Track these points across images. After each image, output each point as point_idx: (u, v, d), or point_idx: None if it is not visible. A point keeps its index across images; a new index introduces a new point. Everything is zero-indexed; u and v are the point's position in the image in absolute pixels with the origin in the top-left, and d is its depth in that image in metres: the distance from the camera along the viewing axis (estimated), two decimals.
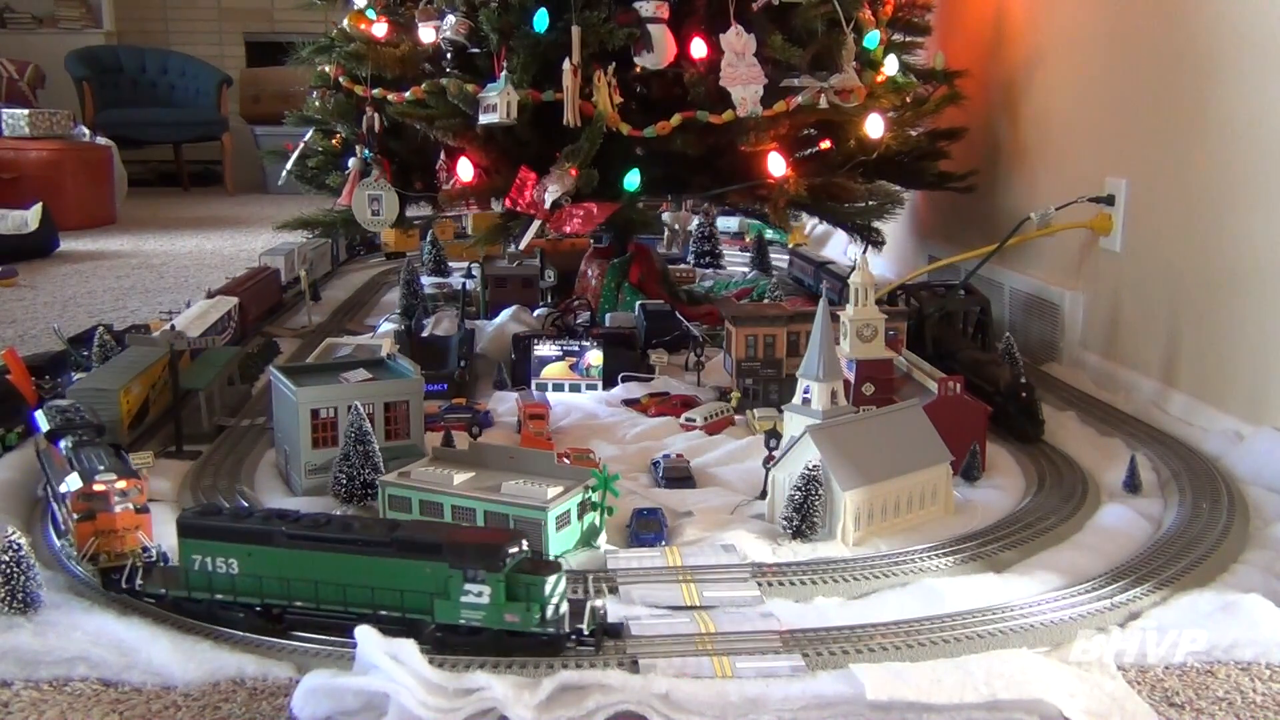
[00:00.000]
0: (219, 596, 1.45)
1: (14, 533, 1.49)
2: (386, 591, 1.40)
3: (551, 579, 1.36)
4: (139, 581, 1.49)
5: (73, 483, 1.58)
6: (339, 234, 4.11)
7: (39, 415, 1.92)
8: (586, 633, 1.38)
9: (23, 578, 1.46)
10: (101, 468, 1.61)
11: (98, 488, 1.55)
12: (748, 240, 4.60)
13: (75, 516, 1.55)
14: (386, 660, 1.24)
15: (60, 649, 1.39)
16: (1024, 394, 2.26)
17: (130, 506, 1.55)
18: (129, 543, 1.54)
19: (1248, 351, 2.23)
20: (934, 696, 1.27)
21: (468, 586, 1.36)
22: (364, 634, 1.29)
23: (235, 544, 1.45)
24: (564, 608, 1.37)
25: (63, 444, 1.78)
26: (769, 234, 4.39)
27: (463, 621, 1.37)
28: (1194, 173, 2.41)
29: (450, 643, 1.37)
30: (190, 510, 1.54)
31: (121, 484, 1.56)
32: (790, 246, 4.35)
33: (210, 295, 3.08)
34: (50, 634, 1.41)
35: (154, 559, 1.54)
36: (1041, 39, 3.15)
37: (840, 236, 4.43)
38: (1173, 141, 2.50)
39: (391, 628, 1.35)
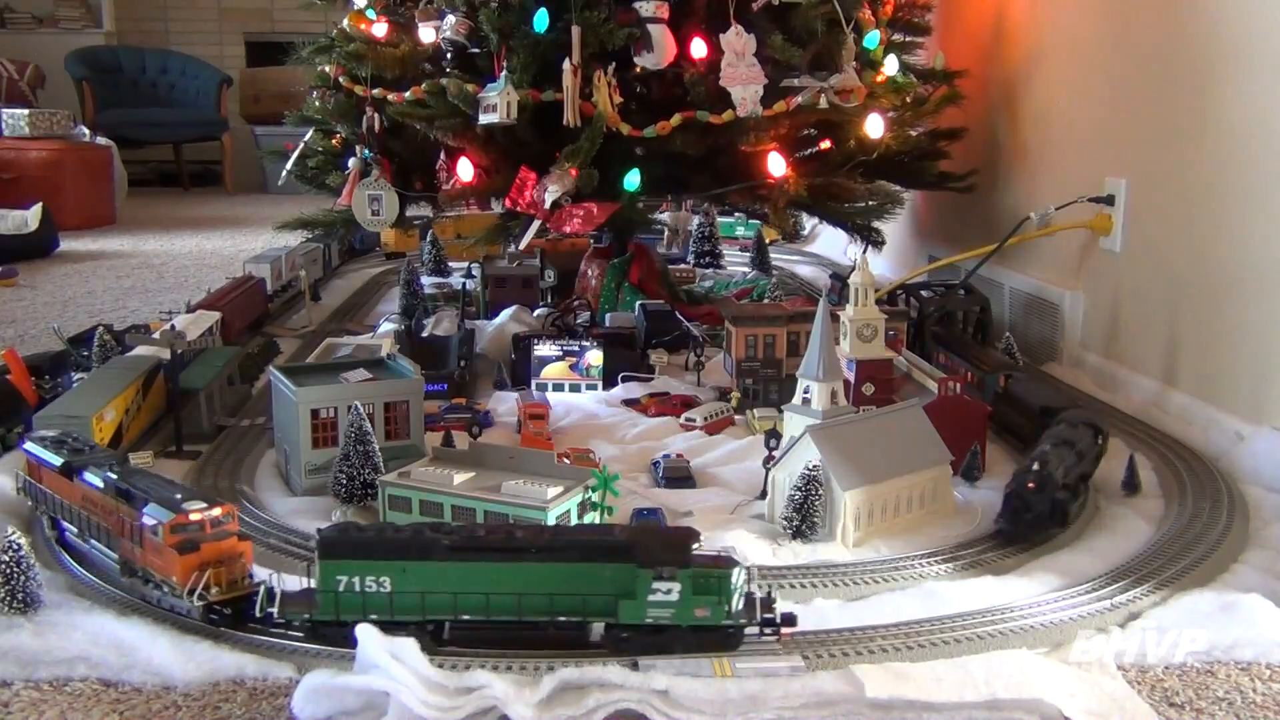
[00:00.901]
0: (374, 617, 1.34)
1: (14, 533, 1.49)
2: (566, 597, 1.36)
3: (736, 571, 1.37)
4: (274, 609, 1.38)
5: (158, 514, 1.45)
6: (333, 237, 4.06)
7: (35, 450, 1.74)
8: (766, 623, 1.39)
9: (23, 578, 1.46)
10: (178, 495, 1.49)
11: (194, 516, 1.43)
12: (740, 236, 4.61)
13: (174, 549, 1.42)
14: (387, 659, 1.24)
15: (60, 649, 1.39)
16: (1033, 485, 1.74)
17: (230, 534, 1.46)
18: (237, 571, 1.44)
19: (1248, 351, 2.23)
20: (934, 695, 1.27)
21: (656, 585, 1.34)
22: (365, 633, 1.28)
23: (387, 561, 1.36)
24: (742, 600, 1.38)
25: (94, 477, 1.61)
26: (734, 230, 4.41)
27: (649, 620, 1.35)
28: (1194, 173, 2.41)
29: (634, 643, 1.35)
30: (329, 529, 1.43)
31: (216, 511, 1.45)
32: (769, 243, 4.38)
33: (190, 309, 2.88)
34: (50, 634, 1.41)
35: (261, 585, 1.43)
36: (1041, 39, 3.15)
37: (831, 234, 4.43)
38: (1173, 141, 2.49)
39: (557, 634, 1.36)
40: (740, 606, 1.37)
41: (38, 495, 1.76)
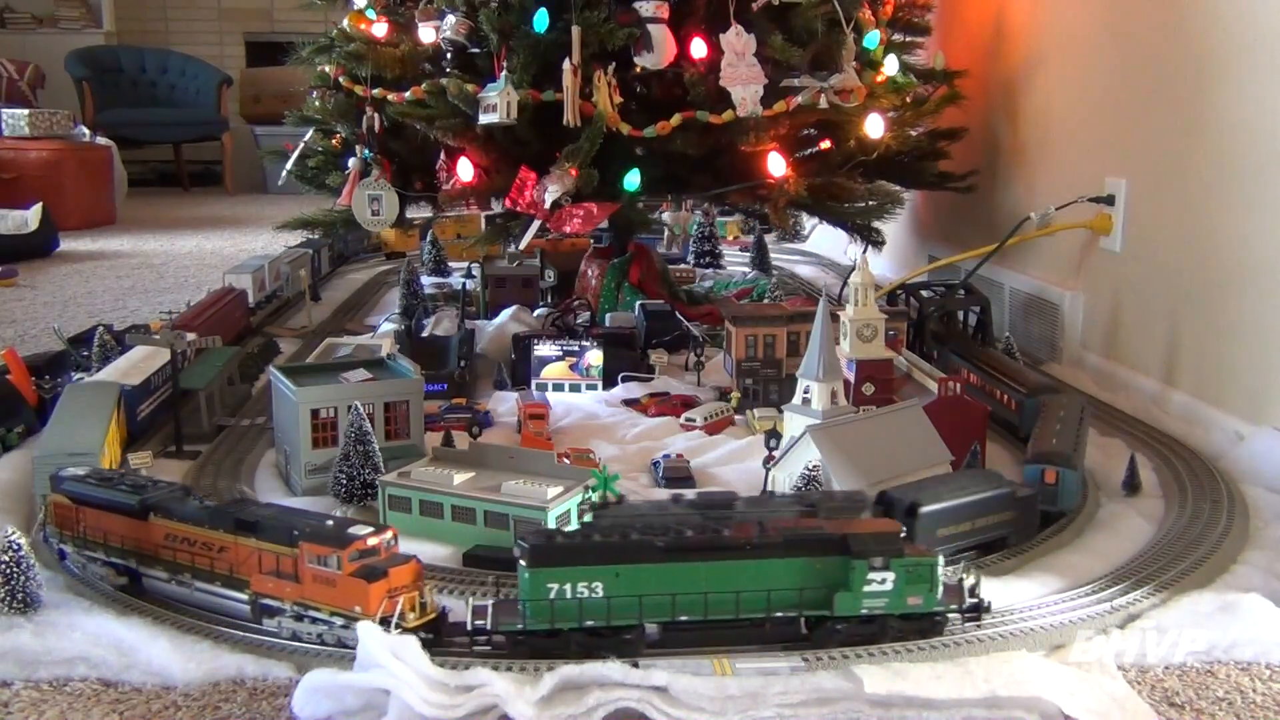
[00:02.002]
0: (590, 623, 1.34)
1: (14, 533, 1.49)
2: (784, 592, 1.38)
3: (940, 559, 1.40)
4: (485, 623, 1.35)
5: (325, 543, 1.39)
6: (332, 238, 4.01)
7: (81, 490, 1.60)
8: (971, 609, 1.42)
9: (23, 578, 1.46)
10: (329, 521, 1.44)
11: (371, 542, 1.38)
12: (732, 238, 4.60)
13: (360, 578, 1.35)
14: (388, 657, 1.24)
15: (60, 649, 1.39)
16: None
17: (408, 556, 1.42)
18: (423, 593, 1.39)
19: (1248, 351, 2.23)
20: (933, 693, 1.27)
21: (872, 575, 1.37)
22: (366, 631, 1.28)
23: (601, 565, 1.34)
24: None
25: (189, 513, 1.52)
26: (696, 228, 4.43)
27: (864, 611, 1.38)
28: (1194, 173, 2.41)
29: (848, 634, 1.38)
30: (531, 537, 1.38)
31: (387, 534, 1.41)
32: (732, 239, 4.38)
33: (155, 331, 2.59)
34: (50, 634, 1.41)
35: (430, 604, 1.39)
36: (1041, 39, 3.15)
37: (826, 233, 4.43)
38: (1173, 141, 2.50)
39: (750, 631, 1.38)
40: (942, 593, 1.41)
41: (77, 541, 1.60)
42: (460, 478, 1.78)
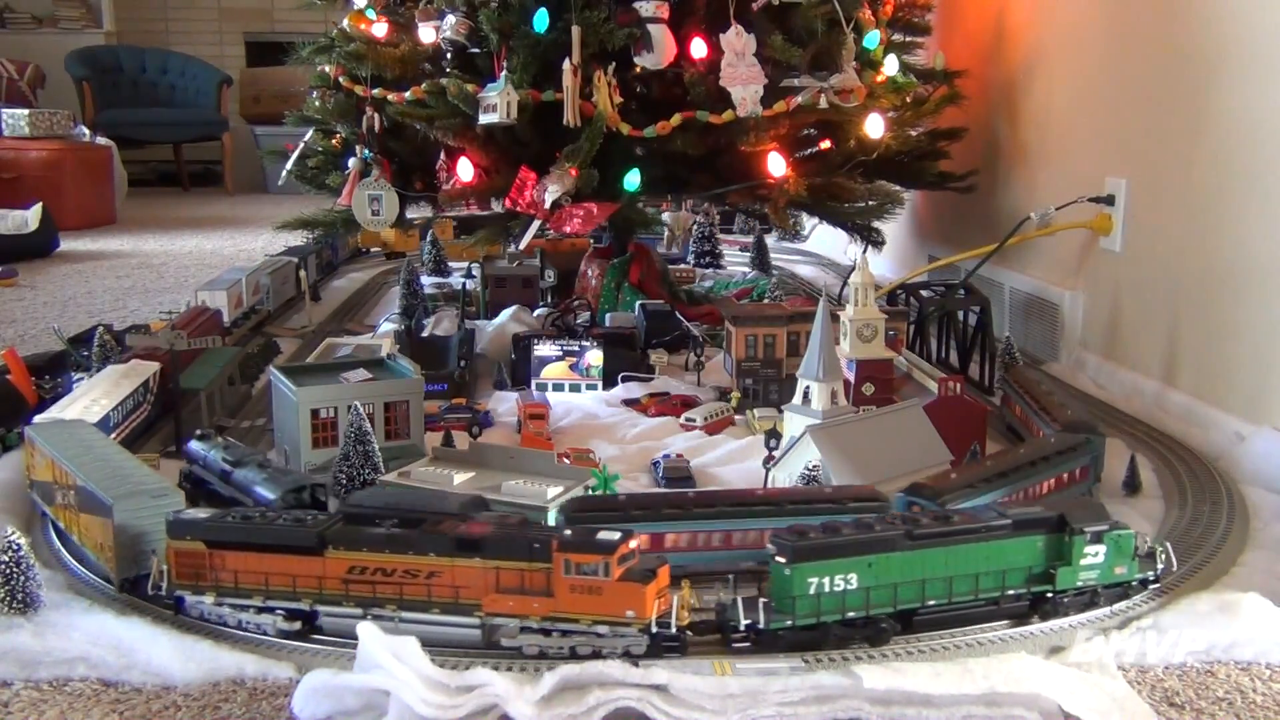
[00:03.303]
0: (851, 614, 1.38)
1: (14, 533, 1.49)
2: (1015, 572, 1.46)
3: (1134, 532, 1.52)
4: (755, 620, 1.36)
5: (581, 549, 1.34)
6: (310, 250, 3.90)
7: (225, 531, 1.45)
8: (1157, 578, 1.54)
9: (22, 578, 1.46)
10: (566, 531, 1.38)
11: (631, 545, 1.35)
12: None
13: (634, 581, 1.33)
14: (388, 658, 1.24)
15: (60, 649, 1.39)
16: None
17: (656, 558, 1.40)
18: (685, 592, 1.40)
19: (1248, 351, 2.23)
20: (933, 689, 1.27)
21: (1088, 549, 1.47)
22: (366, 632, 1.28)
23: (854, 558, 1.38)
24: None
25: (386, 540, 1.41)
26: None
27: (1080, 584, 1.47)
28: (1194, 173, 2.41)
29: (1071, 605, 1.47)
30: (786, 536, 1.40)
31: (636, 539, 1.38)
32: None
33: (124, 356, 2.40)
34: (50, 634, 1.41)
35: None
36: (1041, 39, 3.15)
37: (826, 233, 4.43)
38: (1173, 141, 2.50)
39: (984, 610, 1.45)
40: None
41: (222, 590, 1.45)
42: (460, 478, 1.78)
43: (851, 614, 1.38)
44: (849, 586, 1.38)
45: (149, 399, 2.25)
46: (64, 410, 2.01)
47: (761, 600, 1.37)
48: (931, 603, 1.42)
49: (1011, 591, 1.46)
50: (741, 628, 1.35)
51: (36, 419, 1.96)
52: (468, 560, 1.37)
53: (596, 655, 1.32)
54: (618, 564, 1.32)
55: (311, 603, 1.41)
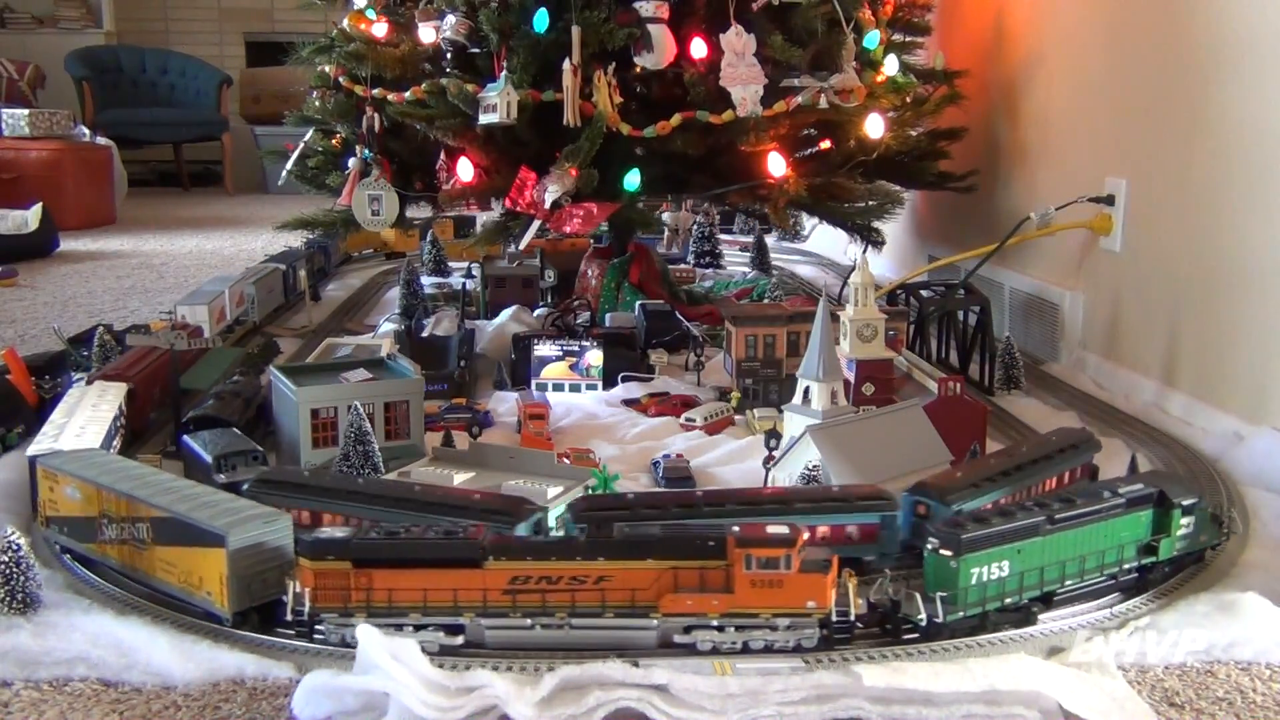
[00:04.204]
0: (1009, 601, 1.45)
1: (13, 533, 1.49)
2: (1129, 546, 1.55)
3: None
4: (933, 614, 1.39)
5: (782, 534, 1.36)
6: (298, 255, 3.77)
7: (376, 550, 1.39)
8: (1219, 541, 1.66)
9: (22, 578, 1.46)
10: (734, 528, 1.38)
11: (805, 535, 1.39)
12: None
13: (816, 572, 1.36)
14: (387, 659, 1.24)
15: (60, 649, 1.38)
16: None
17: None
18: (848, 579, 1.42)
19: (1248, 351, 2.23)
20: (933, 687, 1.27)
21: (1183, 520, 1.58)
22: (365, 634, 1.28)
23: (1006, 546, 1.44)
24: None
25: (552, 548, 1.41)
26: None
27: (1175, 553, 1.58)
28: (1194, 173, 2.42)
29: (1170, 574, 1.59)
30: (946, 530, 1.43)
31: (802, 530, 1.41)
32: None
33: (89, 379, 2.24)
34: (50, 634, 1.41)
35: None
36: (1041, 39, 3.15)
37: (826, 233, 4.43)
38: (1173, 141, 2.50)
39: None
40: None
41: (372, 610, 1.38)
42: (460, 478, 1.78)
43: (1008, 599, 1.44)
44: (1003, 574, 1.44)
45: (120, 426, 2.05)
46: (58, 439, 1.84)
47: (939, 594, 1.40)
48: (1069, 583, 1.50)
49: (1126, 565, 1.55)
50: (921, 621, 1.39)
51: (34, 450, 1.80)
52: (639, 562, 1.37)
53: (768, 650, 1.36)
54: (798, 555, 1.34)
55: (472, 616, 1.37)
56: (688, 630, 1.36)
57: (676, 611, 1.36)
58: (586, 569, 1.37)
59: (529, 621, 1.37)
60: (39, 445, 1.82)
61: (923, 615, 1.39)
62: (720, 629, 1.35)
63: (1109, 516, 1.52)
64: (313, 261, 3.92)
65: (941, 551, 1.41)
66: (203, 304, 2.88)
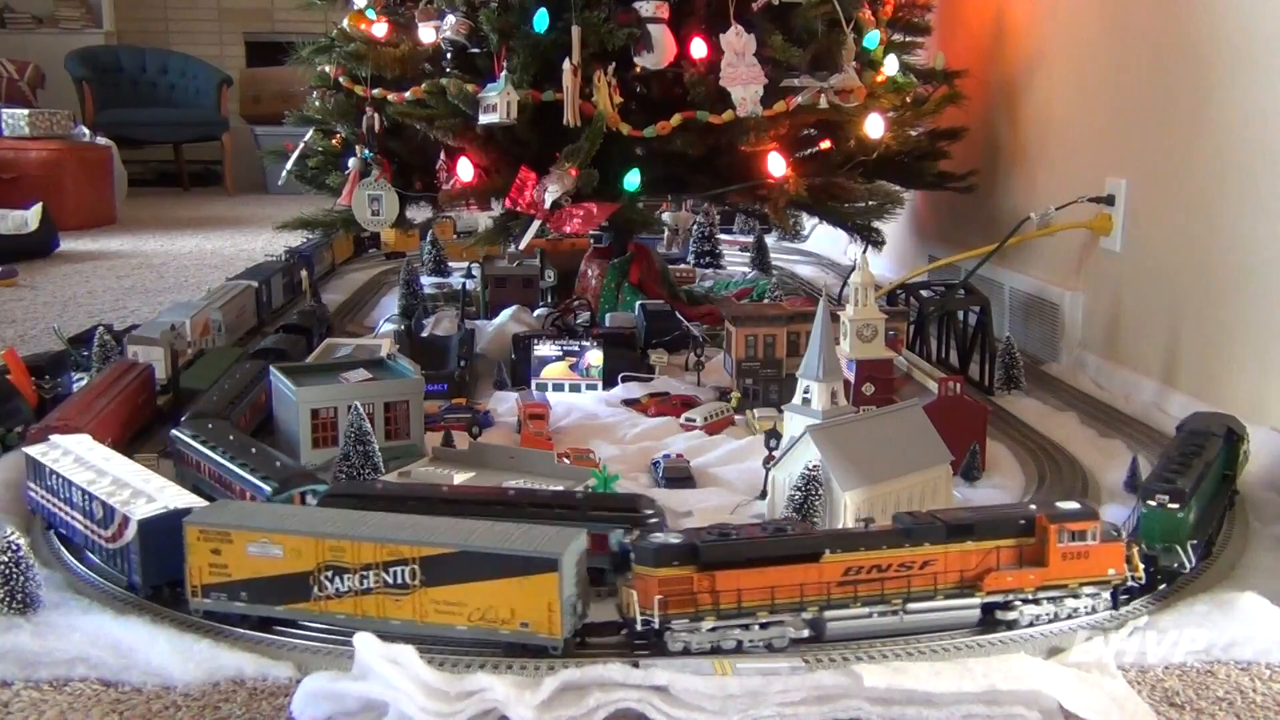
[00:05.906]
0: (1193, 544, 1.60)
1: (13, 533, 1.49)
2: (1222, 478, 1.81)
3: None
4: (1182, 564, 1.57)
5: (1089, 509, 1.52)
6: (275, 269, 3.53)
7: (733, 550, 1.38)
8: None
9: (22, 578, 1.46)
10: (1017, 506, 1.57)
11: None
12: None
13: (1114, 541, 1.50)
14: (385, 665, 1.24)
15: (60, 649, 1.38)
16: None
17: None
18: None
19: (1248, 351, 2.23)
20: (933, 687, 1.27)
21: (1245, 449, 1.87)
22: (362, 640, 1.28)
23: (1195, 497, 1.61)
24: None
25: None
26: None
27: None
28: (1194, 173, 2.41)
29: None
30: (1162, 482, 1.60)
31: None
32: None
33: (25, 434, 1.97)
34: (49, 634, 1.41)
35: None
36: (1041, 39, 3.15)
37: (826, 233, 4.43)
38: (1173, 141, 2.49)
39: None
40: None
41: (722, 613, 1.37)
42: (460, 478, 1.78)
43: (1193, 542, 1.58)
44: (1191, 520, 1.59)
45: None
46: (157, 499, 1.55)
47: (1190, 543, 1.56)
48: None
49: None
50: (1186, 568, 1.56)
51: (145, 514, 1.51)
52: (960, 544, 1.45)
53: (1071, 616, 1.47)
54: (1100, 526, 1.49)
55: (816, 610, 1.40)
56: (1007, 606, 1.45)
57: (999, 588, 1.45)
58: (914, 555, 1.44)
59: (868, 610, 1.42)
60: (148, 509, 1.53)
61: (1185, 561, 1.55)
62: (1036, 601, 1.46)
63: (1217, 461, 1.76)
64: (291, 274, 3.62)
65: (1169, 505, 1.55)
66: (156, 336, 2.49)
